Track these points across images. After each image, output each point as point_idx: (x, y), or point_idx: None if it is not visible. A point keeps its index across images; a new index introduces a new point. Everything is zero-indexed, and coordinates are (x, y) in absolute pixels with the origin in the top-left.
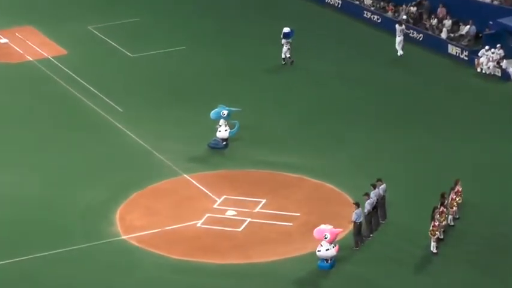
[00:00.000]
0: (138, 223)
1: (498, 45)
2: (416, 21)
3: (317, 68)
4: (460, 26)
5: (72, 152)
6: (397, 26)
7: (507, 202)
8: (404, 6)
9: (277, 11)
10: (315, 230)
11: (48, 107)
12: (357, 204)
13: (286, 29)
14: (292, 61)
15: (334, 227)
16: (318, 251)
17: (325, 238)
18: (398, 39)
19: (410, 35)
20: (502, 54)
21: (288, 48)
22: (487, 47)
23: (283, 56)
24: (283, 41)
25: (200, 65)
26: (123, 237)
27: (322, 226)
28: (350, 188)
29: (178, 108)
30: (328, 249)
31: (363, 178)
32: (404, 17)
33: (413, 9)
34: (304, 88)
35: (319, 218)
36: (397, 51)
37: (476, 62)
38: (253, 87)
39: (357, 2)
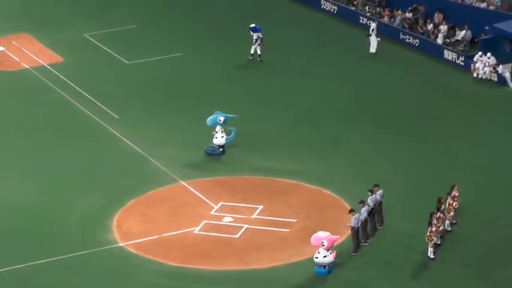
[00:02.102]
0: (135, 230)
1: (489, 53)
2: (412, 27)
3: (314, 72)
4: (456, 31)
5: (68, 159)
6: (371, 23)
7: (504, 207)
8: (400, 11)
9: (273, 17)
10: (312, 237)
11: (44, 115)
12: (354, 210)
13: (252, 25)
14: (253, 58)
15: (332, 234)
16: (316, 257)
17: (323, 245)
18: (373, 33)
19: (406, 40)
20: (495, 61)
21: (259, 44)
22: (480, 53)
23: (257, 52)
24: (255, 35)
25: (197, 71)
26: (120, 244)
27: (320, 233)
28: (347, 193)
29: (175, 114)
30: (325, 256)
31: (359, 183)
32: (372, 22)
33: (408, 14)
34: (302, 93)
35: (316, 224)
36: (370, 48)
37: (472, 67)
38: (250, 93)
39: (353, 8)
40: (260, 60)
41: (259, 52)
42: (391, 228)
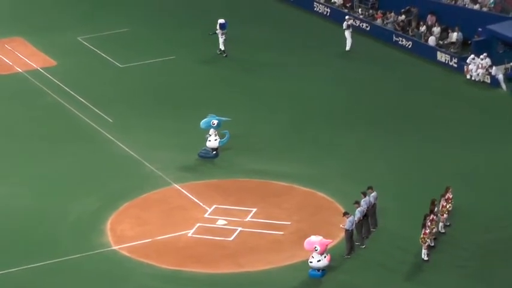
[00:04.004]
0: (129, 233)
1: (484, 54)
2: (404, 29)
3: (307, 74)
4: (449, 33)
5: (62, 163)
6: (344, 23)
7: (498, 208)
8: (393, 13)
9: (266, 19)
10: (305, 241)
11: (37, 118)
12: (349, 213)
13: (221, 20)
14: (226, 54)
15: (324, 237)
16: (310, 262)
17: (316, 250)
18: (347, 32)
19: (399, 42)
20: (489, 63)
21: (224, 39)
22: (472, 55)
23: (222, 47)
24: (219, 31)
25: (190, 74)
26: (114, 247)
27: (312, 238)
28: (341, 196)
29: (168, 117)
30: (319, 260)
31: (353, 186)
32: (347, 17)
33: (400, 17)
34: (295, 95)
35: (310, 226)
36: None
37: (465, 69)
38: (243, 96)
39: (346, 10)
40: (224, 55)
41: (222, 48)
42: (385, 230)
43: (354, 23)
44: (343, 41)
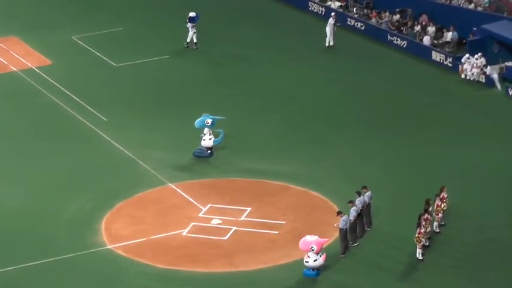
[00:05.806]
0: (124, 232)
1: (479, 54)
2: (399, 28)
3: (302, 74)
4: (443, 32)
5: (56, 162)
6: (330, 19)
7: (493, 208)
8: (387, 13)
9: (261, 19)
10: (301, 241)
11: (32, 117)
12: (342, 212)
13: (192, 14)
14: (197, 47)
15: (320, 236)
16: (306, 262)
17: (312, 250)
18: (328, 29)
19: (394, 41)
20: (484, 62)
21: (194, 32)
22: (467, 55)
23: (188, 40)
24: (189, 25)
25: (184, 73)
26: (109, 246)
27: (308, 237)
28: (335, 195)
29: (163, 117)
30: (316, 260)
31: (348, 185)
32: (333, 13)
33: (395, 17)
34: (290, 95)
35: (305, 225)
36: (328, 42)
37: (460, 69)
38: (238, 95)
39: (341, 10)
40: (196, 48)
41: (195, 40)
42: (380, 229)
43: (336, 22)
44: (336, 39)
